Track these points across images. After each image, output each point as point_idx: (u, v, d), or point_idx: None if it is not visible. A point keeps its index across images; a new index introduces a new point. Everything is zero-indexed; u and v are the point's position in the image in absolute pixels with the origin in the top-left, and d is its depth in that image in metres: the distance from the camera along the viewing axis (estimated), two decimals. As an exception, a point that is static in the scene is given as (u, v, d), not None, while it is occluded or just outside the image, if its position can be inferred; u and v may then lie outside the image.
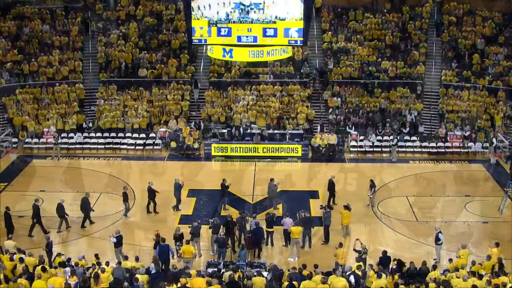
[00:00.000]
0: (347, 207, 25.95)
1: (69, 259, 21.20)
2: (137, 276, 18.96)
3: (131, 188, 29.31)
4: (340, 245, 22.52)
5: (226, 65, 41.83)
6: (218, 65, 41.98)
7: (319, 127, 37.86)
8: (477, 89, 39.86)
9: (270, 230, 25.12)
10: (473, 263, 21.23)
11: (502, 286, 18.20)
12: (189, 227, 24.28)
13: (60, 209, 26.25)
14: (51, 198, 27.49)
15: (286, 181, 30.55)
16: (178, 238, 23.75)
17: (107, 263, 20.72)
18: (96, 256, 21.47)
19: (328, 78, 41.35)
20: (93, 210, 27.21)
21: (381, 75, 41.20)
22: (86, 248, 24.71)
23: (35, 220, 25.96)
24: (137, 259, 21.24)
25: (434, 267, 20.71)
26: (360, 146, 37.08)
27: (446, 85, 40.76)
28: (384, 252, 21.80)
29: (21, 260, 20.12)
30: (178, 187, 28.22)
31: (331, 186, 28.77)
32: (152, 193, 27.99)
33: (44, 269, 19.11)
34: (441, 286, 18.19)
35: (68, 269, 19.64)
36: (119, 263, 21.07)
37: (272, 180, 28.69)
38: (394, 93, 40.30)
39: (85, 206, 26.89)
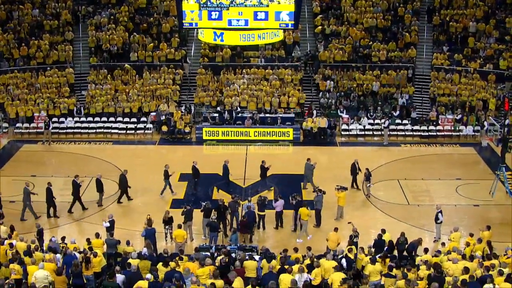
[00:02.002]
0: (342, 188, 25.97)
1: (63, 238, 21.36)
2: (130, 261, 18.90)
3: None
4: (335, 229, 22.47)
5: (217, 49, 41.62)
6: (210, 48, 41.77)
7: (314, 112, 37.75)
8: (469, 72, 39.81)
9: (261, 213, 25.10)
10: (468, 244, 21.26)
11: (491, 267, 18.26)
12: (182, 211, 24.15)
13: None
14: (43, 183, 27.27)
15: (277, 164, 30.44)
16: (168, 221, 23.71)
17: (97, 234, 20.97)
18: (88, 240, 21.39)
19: (319, 61, 41.23)
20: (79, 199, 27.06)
21: (373, 58, 41.09)
22: (77, 234, 24.61)
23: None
24: (128, 243, 21.18)
25: (426, 250, 20.73)
26: (352, 130, 37.05)
27: (438, 69, 40.69)
28: (380, 235, 21.80)
29: (11, 245, 20.03)
30: (166, 174, 28.09)
31: (353, 168, 28.80)
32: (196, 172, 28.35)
33: (30, 255, 19.10)
34: (432, 269, 18.19)
35: (59, 255, 19.57)
36: (111, 234, 21.51)
37: (308, 160, 28.79)
38: (385, 76, 40.19)
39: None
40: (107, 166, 31.43)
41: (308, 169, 28.82)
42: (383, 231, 22.14)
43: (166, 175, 28.18)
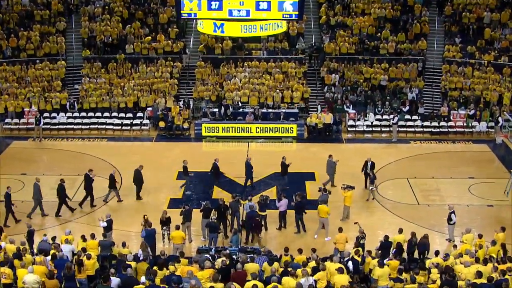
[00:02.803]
0: (349, 187, 26.03)
1: (54, 238, 21.35)
2: (130, 263, 18.97)
3: (118, 172, 29.13)
4: (340, 230, 22.51)
5: (217, 40, 41.63)
6: (210, 38, 41.79)
7: (319, 107, 37.77)
8: (482, 65, 39.78)
9: (262, 213, 25.13)
10: (480, 246, 21.26)
11: (507, 270, 18.25)
12: (181, 211, 24.17)
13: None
14: (33, 181, 27.26)
15: (280, 162, 30.45)
16: (165, 222, 23.74)
17: (93, 235, 21.02)
18: (83, 237, 21.50)
19: (325, 53, 41.23)
20: (70, 199, 27.03)
21: (381, 50, 41.08)
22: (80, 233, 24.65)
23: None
24: (124, 244, 21.22)
25: (437, 253, 20.74)
26: (358, 126, 37.06)
27: (449, 61, 40.68)
28: (386, 237, 21.83)
29: (0, 248, 20.09)
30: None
31: (372, 166, 28.77)
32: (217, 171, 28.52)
33: (19, 257, 19.13)
34: (444, 273, 18.19)
35: (49, 257, 19.59)
36: (105, 235, 21.58)
37: (330, 156, 28.81)
38: (394, 69, 40.18)
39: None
40: (101, 164, 31.43)
41: (330, 167, 28.81)
42: (400, 230, 22.21)
43: (186, 172, 28.24)
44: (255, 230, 24.03)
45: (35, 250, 21.25)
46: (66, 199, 26.57)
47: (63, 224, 25.74)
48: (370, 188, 27.85)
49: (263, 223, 25.06)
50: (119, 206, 27.43)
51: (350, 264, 19.55)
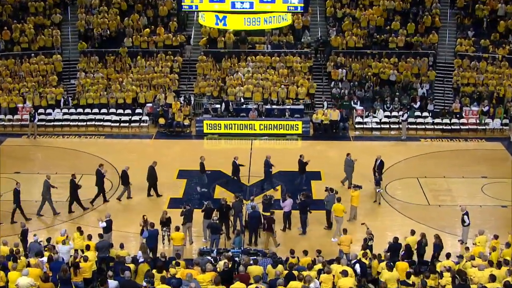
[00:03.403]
0: (356, 186, 26.01)
1: (49, 239, 21.41)
2: (128, 265, 19.02)
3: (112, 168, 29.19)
4: (345, 231, 22.53)
5: (220, 34, 41.64)
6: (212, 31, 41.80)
7: (325, 103, 37.79)
8: (496, 59, 39.74)
9: (266, 214, 25.15)
10: (494, 249, 21.24)
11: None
12: (181, 211, 24.19)
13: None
14: (28, 180, 27.37)
15: (285, 161, 30.48)
16: (165, 222, 23.76)
17: (89, 237, 21.03)
18: (79, 229, 21.64)
19: (331, 47, 41.21)
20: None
21: (390, 44, 41.05)
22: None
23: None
24: (121, 246, 21.28)
25: (448, 255, 20.69)
26: (366, 123, 37.05)
27: (462, 56, 40.62)
28: (395, 239, 21.82)
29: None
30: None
31: (380, 165, 28.73)
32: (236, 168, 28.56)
33: (15, 260, 19.15)
34: (456, 276, 18.18)
35: (44, 259, 19.63)
36: (101, 236, 21.50)
37: (348, 155, 28.78)
38: (404, 64, 40.14)
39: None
40: (98, 162, 31.41)
41: (348, 166, 28.74)
42: (412, 232, 22.20)
43: (202, 169, 28.35)
44: (268, 229, 24.03)
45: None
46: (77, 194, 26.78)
47: (59, 225, 25.75)
48: (378, 190, 27.75)
49: (264, 224, 25.12)
50: (117, 206, 27.46)
51: (357, 266, 19.56)
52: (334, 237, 24.57)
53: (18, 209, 25.76)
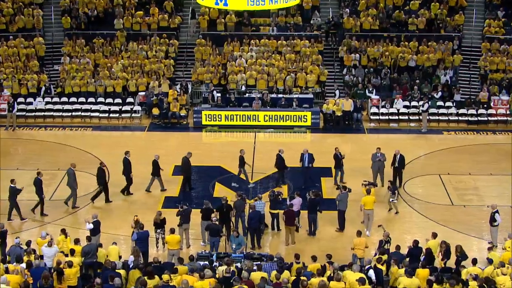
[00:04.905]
0: (371, 184, 26.09)
1: (28, 243, 21.32)
2: (118, 271, 19.08)
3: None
4: (358, 233, 22.54)
5: (220, 15, 41.64)
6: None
7: (337, 92, 37.81)
8: (529, 42, 39.77)
9: (274, 212, 25.14)
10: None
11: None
12: (178, 211, 24.23)
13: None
14: (6, 177, 27.37)
15: (292, 155, 30.50)
16: (159, 224, 23.80)
17: (76, 240, 21.14)
18: (64, 231, 21.74)
19: (344, 30, 41.19)
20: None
21: (410, 26, 41.02)
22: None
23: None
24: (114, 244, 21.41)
25: (474, 261, 20.62)
26: (383, 114, 37.08)
27: (490, 39, 40.57)
28: (415, 242, 21.80)
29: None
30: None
31: (401, 161, 28.73)
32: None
33: None
34: (484, 285, 18.18)
35: (23, 265, 19.66)
36: (89, 239, 21.60)
37: (378, 149, 28.72)
38: (425, 48, 40.11)
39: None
40: (85, 157, 31.56)
41: (376, 161, 28.68)
42: (434, 235, 22.19)
43: (242, 162, 28.55)
44: (287, 221, 24.15)
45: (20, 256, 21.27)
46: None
47: (42, 226, 25.82)
48: (391, 200, 27.16)
49: (272, 223, 25.22)
50: (107, 206, 27.50)
51: (371, 273, 19.58)
52: (367, 231, 24.87)
53: (40, 203, 26.53)
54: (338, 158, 28.87)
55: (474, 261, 20.62)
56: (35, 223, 26.20)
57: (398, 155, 28.64)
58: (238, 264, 20.36)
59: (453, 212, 27.26)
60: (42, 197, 26.62)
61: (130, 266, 20.26)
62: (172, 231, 22.88)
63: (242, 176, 29.24)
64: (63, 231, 22.16)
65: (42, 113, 37.09)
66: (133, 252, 21.35)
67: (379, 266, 20.02)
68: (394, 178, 28.42)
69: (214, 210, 24.28)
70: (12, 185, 26.09)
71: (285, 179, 29.17)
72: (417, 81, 38.64)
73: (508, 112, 36.77)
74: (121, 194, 28.22)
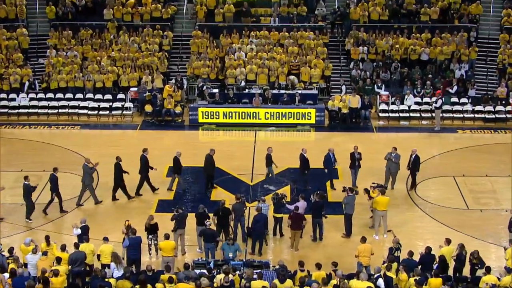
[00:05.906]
0: (380, 186, 26.07)
1: (11, 250, 21.32)
2: (108, 280, 19.09)
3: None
4: (363, 239, 22.50)
5: (218, 5, 41.66)
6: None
7: (344, 88, 37.83)
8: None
9: (278, 215, 25.14)
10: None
11: None
12: (173, 215, 24.23)
13: None
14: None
15: (295, 155, 30.53)
16: (151, 229, 23.79)
17: (63, 247, 21.15)
18: (47, 239, 21.70)
19: (351, 21, 41.21)
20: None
21: (422, 16, 41.04)
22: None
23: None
24: (98, 257, 21.38)
25: (488, 269, 20.64)
26: (393, 111, 37.10)
27: (509, 30, 40.59)
28: (428, 249, 21.80)
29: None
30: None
31: (415, 162, 28.71)
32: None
33: None
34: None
35: (6, 274, 19.65)
36: (77, 246, 21.51)
37: (394, 149, 28.64)
38: (438, 40, 40.13)
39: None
40: (73, 158, 31.56)
41: (391, 161, 28.64)
42: (448, 241, 22.14)
43: (269, 161, 28.60)
44: (295, 227, 24.14)
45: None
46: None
47: (26, 231, 25.84)
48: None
49: (275, 227, 25.20)
50: (96, 210, 27.52)
51: (380, 282, 19.59)
52: (385, 233, 24.96)
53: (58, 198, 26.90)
54: (355, 158, 28.80)
55: (488, 269, 20.64)
56: (17, 228, 26.12)
57: (414, 155, 28.61)
58: (238, 272, 20.34)
59: (469, 217, 27.24)
60: (59, 194, 26.86)
61: (113, 274, 20.22)
62: (167, 236, 22.86)
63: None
64: (47, 239, 22.07)
65: (26, 110, 37.15)
66: (113, 259, 21.21)
67: (388, 274, 20.01)
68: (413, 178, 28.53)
69: (211, 214, 24.25)
70: (26, 182, 26.26)
71: (298, 181, 29.27)
72: (430, 75, 38.63)
73: (527, 109, 36.83)
74: (109, 197, 28.22)
